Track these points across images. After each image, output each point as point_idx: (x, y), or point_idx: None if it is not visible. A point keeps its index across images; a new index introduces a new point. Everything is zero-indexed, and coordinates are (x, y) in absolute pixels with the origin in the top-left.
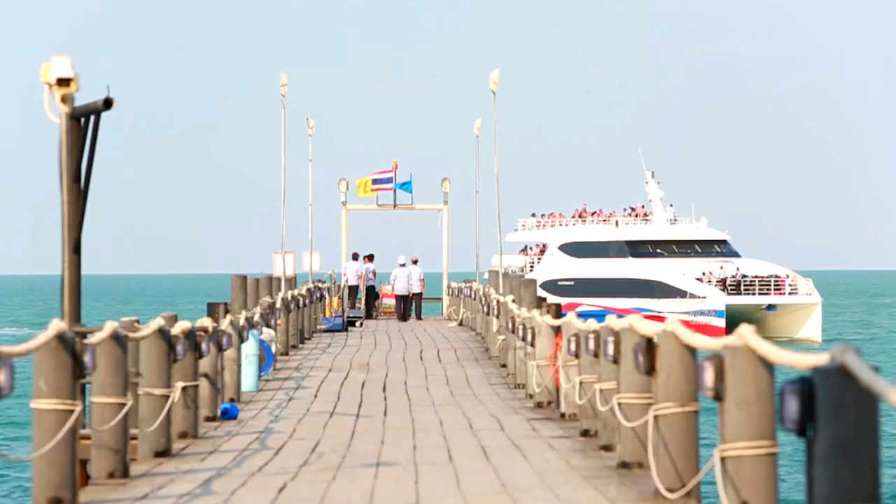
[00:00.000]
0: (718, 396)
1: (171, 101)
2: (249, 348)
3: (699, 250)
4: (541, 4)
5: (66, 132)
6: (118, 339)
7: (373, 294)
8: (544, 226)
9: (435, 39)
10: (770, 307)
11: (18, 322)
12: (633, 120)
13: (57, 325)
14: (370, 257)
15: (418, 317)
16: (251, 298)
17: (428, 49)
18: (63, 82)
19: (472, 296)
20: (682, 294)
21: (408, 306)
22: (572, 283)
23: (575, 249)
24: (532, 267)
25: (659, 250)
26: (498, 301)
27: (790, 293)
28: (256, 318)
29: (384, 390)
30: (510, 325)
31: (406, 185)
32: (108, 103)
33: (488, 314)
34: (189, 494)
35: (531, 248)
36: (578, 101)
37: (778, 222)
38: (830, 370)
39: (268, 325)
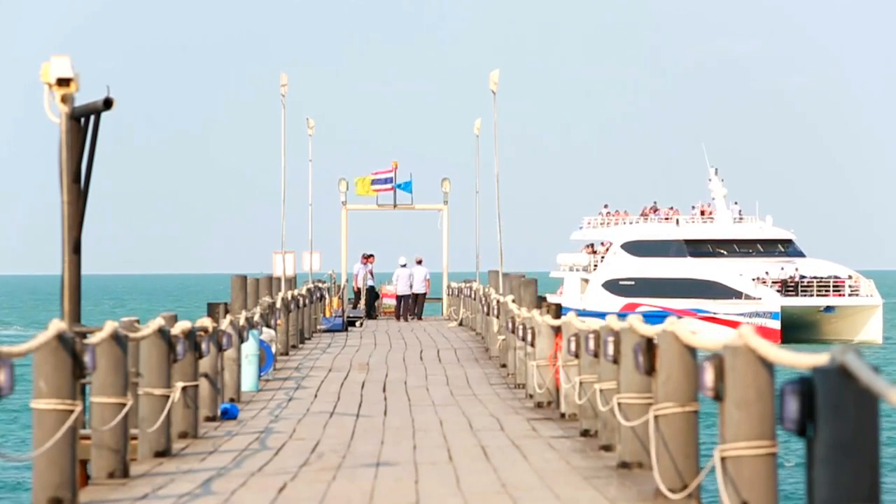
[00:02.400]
0: (718, 396)
1: (171, 101)
2: (249, 348)
3: (761, 250)
4: (541, 4)
5: (66, 132)
6: (118, 339)
7: (373, 294)
8: (608, 224)
9: (435, 39)
10: (828, 309)
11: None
12: (634, 120)
13: (57, 325)
14: (370, 257)
15: (419, 317)
16: (251, 298)
17: (428, 49)
18: (63, 82)
19: (472, 296)
20: (737, 295)
21: (407, 306)
22: (633, 282)
23: (636, 248)
24: (596, 266)
25: (719, 250)
26: (498, 301)
27: (850, 294)
28: (256, 318)
29: (384, 390)
30: (510, 325)
31: (406, 185)
32: (108, 103)
33: (488, 314)
34: (189, 494)
35: (599, 246)
36: (578, 101)
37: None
38: (830, 370)
39: (268, 325)
